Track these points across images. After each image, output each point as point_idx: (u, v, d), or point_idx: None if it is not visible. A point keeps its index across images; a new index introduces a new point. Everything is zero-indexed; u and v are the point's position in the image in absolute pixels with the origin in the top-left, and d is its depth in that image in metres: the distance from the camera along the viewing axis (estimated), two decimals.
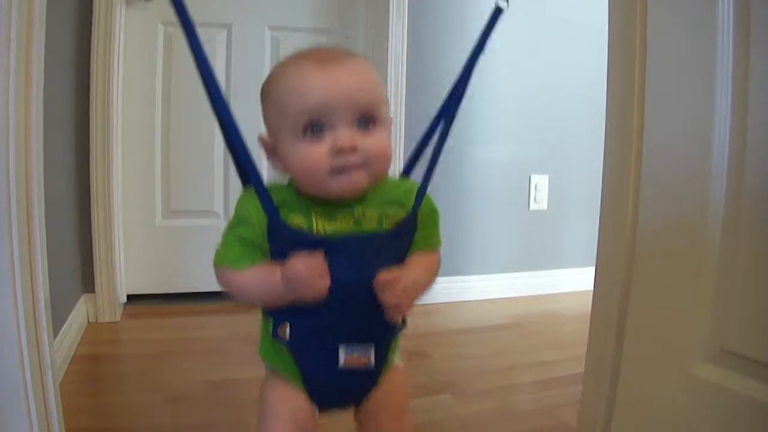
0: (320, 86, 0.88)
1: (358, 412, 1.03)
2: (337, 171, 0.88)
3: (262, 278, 0.93)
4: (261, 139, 0.97)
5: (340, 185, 0.89)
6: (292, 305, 0.91)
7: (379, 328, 0.96)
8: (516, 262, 3.08)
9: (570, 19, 2.97)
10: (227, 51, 2.73)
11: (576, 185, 3.07)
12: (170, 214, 2.77)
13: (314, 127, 0.88)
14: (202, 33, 2.94)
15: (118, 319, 2.50)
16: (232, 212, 2.69)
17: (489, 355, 2.21)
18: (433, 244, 1.01)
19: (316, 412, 1.01)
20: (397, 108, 2.73)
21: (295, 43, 2.76)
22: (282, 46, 2.76)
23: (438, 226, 1.03)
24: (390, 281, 0.88)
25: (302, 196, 0.94)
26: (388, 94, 2.68)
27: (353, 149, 0.88)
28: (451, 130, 1.03)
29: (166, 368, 2.02)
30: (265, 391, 1.02)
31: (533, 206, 3.09)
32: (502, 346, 2.32)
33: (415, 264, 0.96)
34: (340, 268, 0.89)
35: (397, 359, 1.05)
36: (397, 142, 2.66)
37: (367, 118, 0.90)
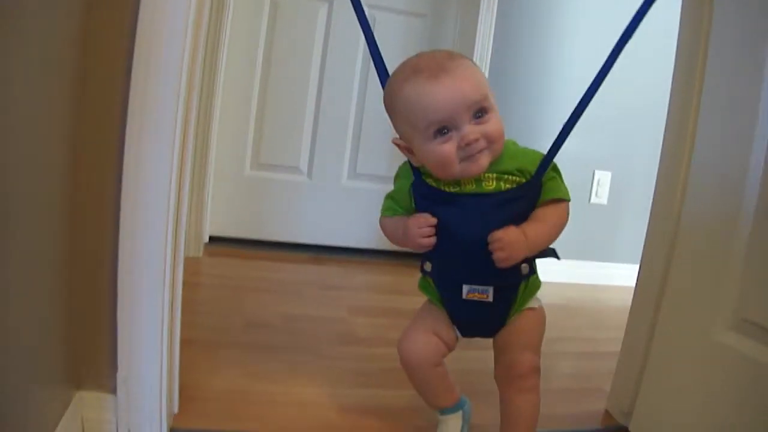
0: (440, 99, 1.07)
1: (495, 342, 1.26)
2: (466, 159, 1.10)
3: (394, 225, 1.22)
4: (396, 143, 1.18)
5: (470, 170, 1.12)
6: (433, 249, 1.16)
7: (495, 272, 1.13)
8: (572, 251, 3.21)
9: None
10: (326, 25, 2.94)
11: (637, 184, 3.17)
12: (258, 167, 3.00)
13: (442, 130, 1.10)
14: (304, 6, 3.20)
15: (200, 255, 2.73)
16: (315, 170, 2.95)
17: None
18: (555, 194, 1.17)
19: (458, 334, 1.27)
20: None
21: (389, 23, 2.97)
22: (377, 24, 2.94)
23: (559, 179, 1.20)
24: (495, 237, 1.09)
25: None
26: None
27: (477, 139, 1.09)
28: (583, 112, 1.18)
29: (245, 300, 2.24)
30: (421, 307, 1.30)
31: (594, 200, 3.24)
32: (551, 320, 2.46)
33: (534, 220, 1.15)
34: (455, 217, 1.13)
35: (535, 303, 1.25)
36: None
37: (481, 111, 1.10)
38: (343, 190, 3.04)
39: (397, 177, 1.25)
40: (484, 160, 1.11)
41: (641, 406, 1.48)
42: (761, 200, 1.23)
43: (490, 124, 1.10)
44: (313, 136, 3.02)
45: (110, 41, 1.15)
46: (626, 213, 3.26)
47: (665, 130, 1.52)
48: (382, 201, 1.28)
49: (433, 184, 1.16)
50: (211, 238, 2.94)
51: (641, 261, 1.55)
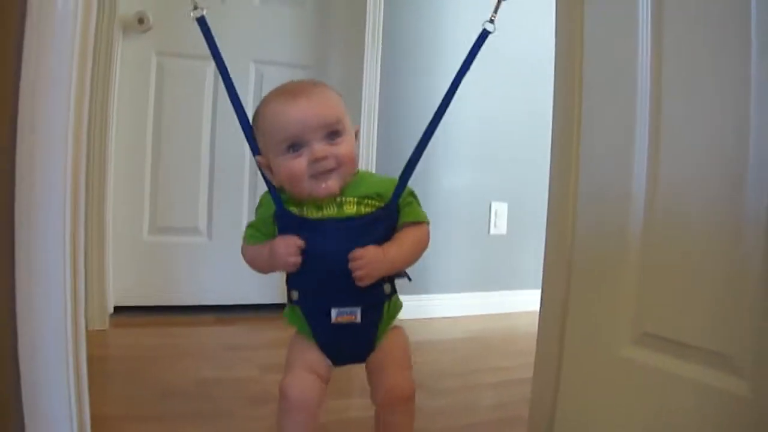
0: (293, 117, 1.16)
1: (368, 366, 1.27)
2: (315, 176, 1.17)
3: (258, 250, 1.24)
4: (258, 161, 1.25)
5: (319, 189, 1.18)
6: (297, 275, 1.19)
7: (361, 293, 1.18)
8: (476, 283, 3.29)
9: (531, 50, 3.14)
10: (214, 82, 2.93)
11: (534, 212, 3.20)
12: (157, 231, 2.95)
13: (294, 147, 1.17)
14: (191, 65, 3.19)
15: (106, 327, 2.63)
16: (214, 230, 2.92)
17: (452, 361, 2.43)
18: (413, 217, 1.24)
19: (329, 363, 1.25)
20: (369, 139, 2.96)
21: (276, 76, 2.97)
22: (265, 79, 2.97)
23: (416, 203, 1.27)
24: (355, 255, 1.14)
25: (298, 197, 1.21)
26: (362, 126, 2.93)
27: (325, 157, 1.16)
28: (431, 138, 1.33)
29: (155, 368, 2.17)
30: (290, 344, 1.28)
31: (493, 231, 3.33)
32: (463, 354, 2.54)
33: (394, 241, 1.21)
34: (318, 242, 1.17)
35: (396, 323, 1.29)
36: (368, 169, 2.87)
37: (333, 133, 1.18)
38: None
39: (260, 206, 1.29)
40: (333, 182, 1.18)
41: (559, 429, 1.51)
42: (646, 215, 1.29)
43: (341, 147, 1.18)
44: (209, 196, 2.99)
45: None
46: (526, 240, 3.34)
47: (551, 157, 1.58)
48: None
49: (295, 211, 1.20)
50: (116, 308, 2.84)
51: (542, 286, 1.59)
